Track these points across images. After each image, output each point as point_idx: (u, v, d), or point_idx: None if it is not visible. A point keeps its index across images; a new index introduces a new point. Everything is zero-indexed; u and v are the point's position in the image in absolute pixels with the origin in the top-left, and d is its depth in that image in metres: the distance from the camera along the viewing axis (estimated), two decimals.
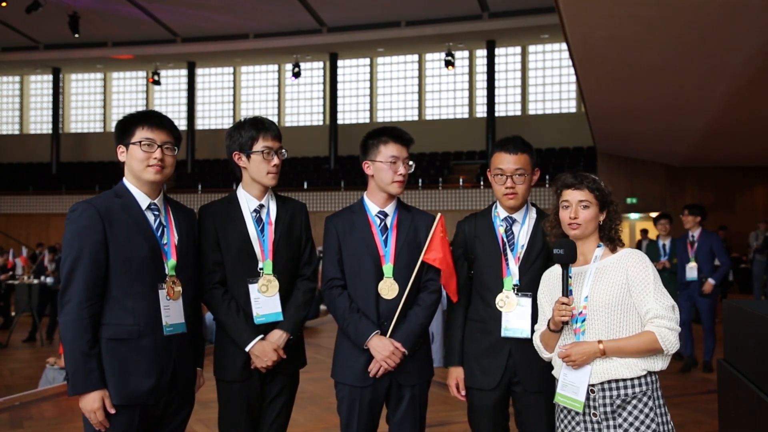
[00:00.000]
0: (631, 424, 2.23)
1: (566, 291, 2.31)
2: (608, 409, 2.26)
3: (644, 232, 14.64)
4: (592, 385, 2.28)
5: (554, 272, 2.48)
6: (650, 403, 2.24)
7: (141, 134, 2.42)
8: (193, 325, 2.55)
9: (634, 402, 2.24)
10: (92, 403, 2.29)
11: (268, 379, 2.68)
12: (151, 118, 2.45)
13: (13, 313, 11.44)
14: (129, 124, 2.43)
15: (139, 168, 2.42)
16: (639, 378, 2.24)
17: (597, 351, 2.24)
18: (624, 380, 2.25)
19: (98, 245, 2.32)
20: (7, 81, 26.75)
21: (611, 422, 2.26)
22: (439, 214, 2.77)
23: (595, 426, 2.28)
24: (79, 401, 2.31)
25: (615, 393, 2.25)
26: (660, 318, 2.20)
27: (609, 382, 2.26)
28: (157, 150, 2.42)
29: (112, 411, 2.31)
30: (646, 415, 2.23)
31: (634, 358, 2.24)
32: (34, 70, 25.30)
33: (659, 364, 2.25)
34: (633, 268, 2.27)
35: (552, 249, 2.38)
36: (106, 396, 2.31)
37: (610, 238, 2.39)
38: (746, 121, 11.99)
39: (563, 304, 2.29)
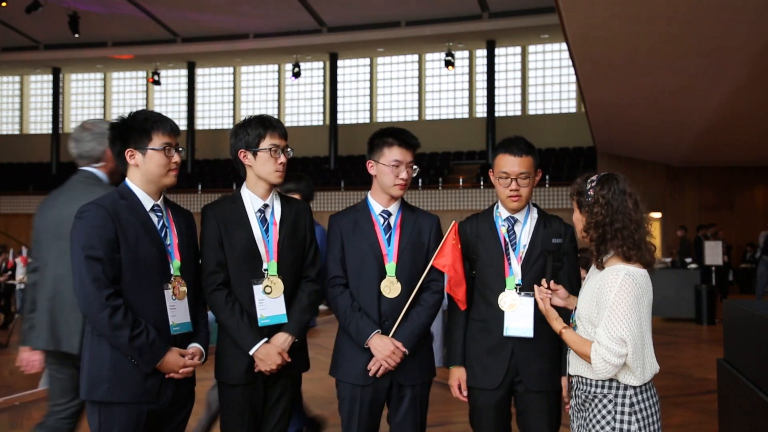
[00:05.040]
0: (589, 421, 2.29)
1: (548, 276, 2.52)
2: (579, 400, 2.37)
3: None
4: (571, 376, 2.42)
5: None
6: (609, 407, 2.25)
7: (160, 140, 2.44)
8: (196, 325, 2.57)
9: (595, 401, 2.29)
10: (175, 361, 2.39)
11: (271, 382, 2.66)
12: (164, 123, 2.47)
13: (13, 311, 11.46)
14: (143, 130, 2.43)
15: (161, 173, 2.45)
16: (603, 381, 2.28)
17: (558, 331, 2.39)
18: (588, 378, 2.32)
19: (113, 245, 2.34)
20: (7, 81, 26.73)
21: (582, 413, 2.36)
22: (453, 222, 2.76)
23: (574, 413, 2.42)
24: (160, 368, 2.39)
25: (583, 388, 2.34)
26: (599, 344, 2.21)
27: (579, 376, 2.36)
28: (175, 154, 2.46)
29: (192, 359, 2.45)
30: (603, 417, 2.26)
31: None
32: (34, 70, 25.28)
33: (629, 378, 2.24)
34: (601, 288, 2.25)
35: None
36: (175, 351, 2.40)
37: (592, 250, 2.34)
38: (746, 121, 12.00)
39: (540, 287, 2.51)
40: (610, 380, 2.26)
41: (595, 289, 2.28)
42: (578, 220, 2.41)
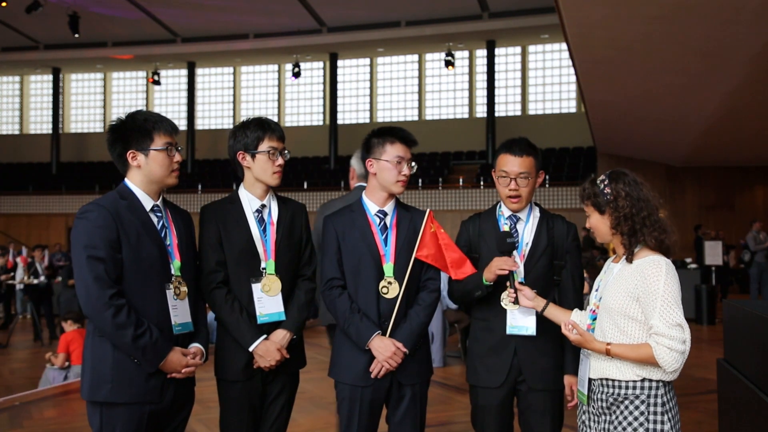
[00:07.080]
0: (620, 423, 2.27)
1: (511, 277, 2.59)
2: (604, 404, 2.33)
3: None
4: (592, 380, 2.38)
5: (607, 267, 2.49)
6: (642, 408, 2.24)
7: (162, 140, 2.45)
8: (196, 324, 2.57)
9: (626, 403, 2.27)
10: (178, 360, 2.40)
11: (269, 379, 2.69)
12: (164, 122, 2.48)
13: (13, 313, 11.47)
14: (144, 131, 2.43)
15: (164, 174, 2.46)
16: (633, 381, 2.27)
17: (602, 351, 2.30)
18: (616, 380, 2.30)
19: (115, 245, 2.34)
20: (7, 81, 26.72)
21: (606, 417, 2.32)
22: (428, 210, 2.79)
23: (594, 417, 2.38)
24: (163, 368, 2.39)
25: (609, 390, 2.31)
26: (659, 335, 2.19)
27: (604, 379, 2.33)
28: (177, 154, 2.47)
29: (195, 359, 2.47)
30: (635, 418, 2.25)
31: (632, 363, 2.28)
32: (34, 70, 25.27)
33: (658, 373, 2.24)
34: (644, 280, 2.24)
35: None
36: (178, 351, 2.41)
37: (625, 244, 2.34)
38: (746, 121, 12.00)
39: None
40: (642, 380, 2.25)
41: (633, 284, 2.26)
42: (600, 221, 2.38)
